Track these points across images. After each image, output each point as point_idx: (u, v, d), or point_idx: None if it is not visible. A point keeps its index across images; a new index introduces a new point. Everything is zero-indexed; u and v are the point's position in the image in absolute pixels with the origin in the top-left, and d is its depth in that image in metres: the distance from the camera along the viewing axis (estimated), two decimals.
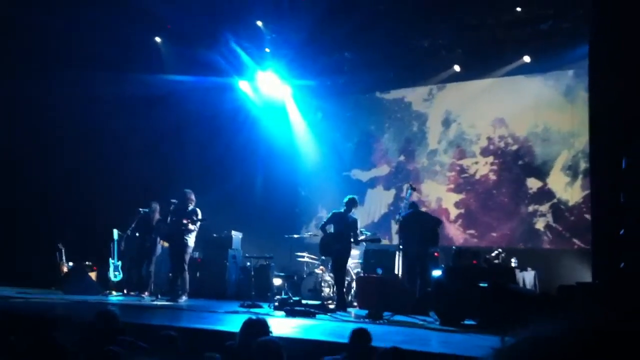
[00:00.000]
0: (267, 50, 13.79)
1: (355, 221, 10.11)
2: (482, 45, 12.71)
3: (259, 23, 13.11)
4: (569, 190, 12.27)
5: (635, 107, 7.10)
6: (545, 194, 12.51)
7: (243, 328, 4.57)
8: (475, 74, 13.30)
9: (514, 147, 13.02)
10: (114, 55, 12.37)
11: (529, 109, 12.80)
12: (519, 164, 12.92)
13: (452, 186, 13.56)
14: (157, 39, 13.76)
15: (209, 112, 14.05)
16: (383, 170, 14.67)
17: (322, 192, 14.68)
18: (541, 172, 12.62)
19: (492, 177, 13.20)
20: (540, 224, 12.48)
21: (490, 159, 13.28)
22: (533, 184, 12.69)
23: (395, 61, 13.69)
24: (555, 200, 12.39)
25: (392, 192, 14.41)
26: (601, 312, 0.84)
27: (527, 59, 12.40)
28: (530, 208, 12.66)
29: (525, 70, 12.64)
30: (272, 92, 14.60)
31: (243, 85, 14.53)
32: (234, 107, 14.56)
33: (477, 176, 13.36)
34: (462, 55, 13.02)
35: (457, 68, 13.18)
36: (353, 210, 10.15)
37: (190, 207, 10.89)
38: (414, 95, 14.43)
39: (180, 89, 13.50)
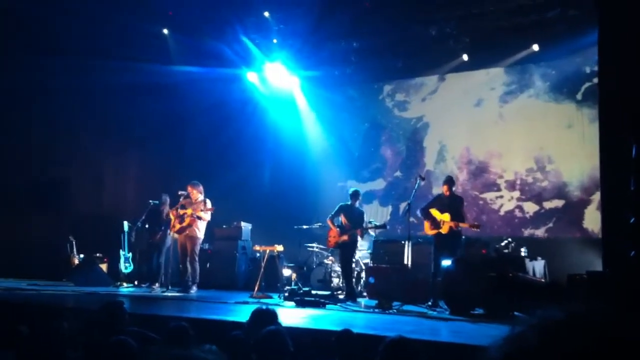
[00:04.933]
0: (275, 41, 13.75)
1: (362, 213, 10.36)
2: (489, 35, 12.54)
3: (266, 14, 13.07)
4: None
5: None
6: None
7: (252, 318, 4.57)
8: (483, 63, 13.21)
9: (541, 182, 12.53)
10: (121, 45, 12.39)
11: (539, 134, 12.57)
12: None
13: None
14: (165, 31, 13.74)
15: (217, 103, 14.04)
16: (379, 184, 14.42)
17: (322, 197, 14.29)
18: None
19: (515, 211, 12.70)
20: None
21: (512, 193, 12.77)
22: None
23: (403, 50, 13.55)
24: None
25: (389, 209, 14.06)
26: (607, 302, 0.84)
27: (535, 47, 12.30)
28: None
29: (533, 59, 12.59)
30: (280, 84, 14.57)
31: (251, 76, 14.51)
32: (242, 98, 14.55)
33: (496, 207, 12.89)
34: (470, 45, 12.90)
35: (465, 57, 13.09)
36: (357, 202, 10.29)
37: (200, 197, 10.90)
38: (417, 110, 14.18)
39: (188, 79, 13.49)
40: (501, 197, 12.84)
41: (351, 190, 10.43)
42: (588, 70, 12.02)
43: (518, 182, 12.67)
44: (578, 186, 11.97)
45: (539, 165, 12.50)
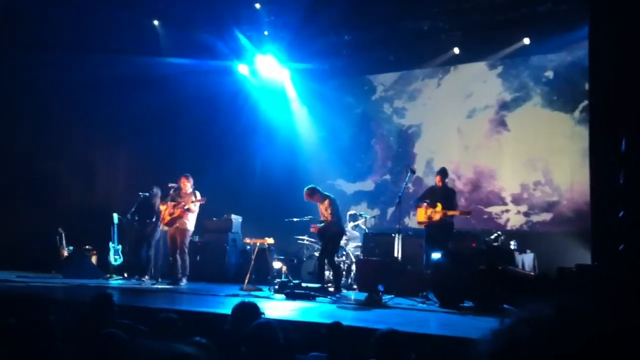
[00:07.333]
0: (266, 33, 13.69)
1: (332, 200, 10.15)
2: (481, 28, 12.50)
3: (257, 5, 13.01)
4: None
5: (635, 89, 7.06)
6: None
7: (234, 312, 4.58)
8: (475, 57, 13.20)
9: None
10: (111, 37, 12.31)
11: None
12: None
13: None
14: (155, 22, 13.65)
15: (208, 95, 13.97)
16: (368, 185, 14.33)
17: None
18: None
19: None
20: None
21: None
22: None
23: (394, 43, 13.52)
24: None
25: (377, 211, 13.84)
26: (596, 295, 0.84)
27: (526, 40, 12.29)
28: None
29: (526, 51, 12.56)
30: (271, 76, 14.52)
31: (242, 68, 14.45)
32: (233, 90, 14.49)
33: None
34: (461, 39, 12.88)
35: (456, 51, 13.07)
36: (319, 195, 10.18)
37: (189, 190, 10.89)
38: (410, 115, 14.08)
39: (179, 72, 13.41)
40: (507, 211, 12.69)
41: (305, 190, 10.23)
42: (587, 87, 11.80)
43: (525, 195, 12.51)
44: (570, 192, 11.93)
45: (538, 176, 12.41)
